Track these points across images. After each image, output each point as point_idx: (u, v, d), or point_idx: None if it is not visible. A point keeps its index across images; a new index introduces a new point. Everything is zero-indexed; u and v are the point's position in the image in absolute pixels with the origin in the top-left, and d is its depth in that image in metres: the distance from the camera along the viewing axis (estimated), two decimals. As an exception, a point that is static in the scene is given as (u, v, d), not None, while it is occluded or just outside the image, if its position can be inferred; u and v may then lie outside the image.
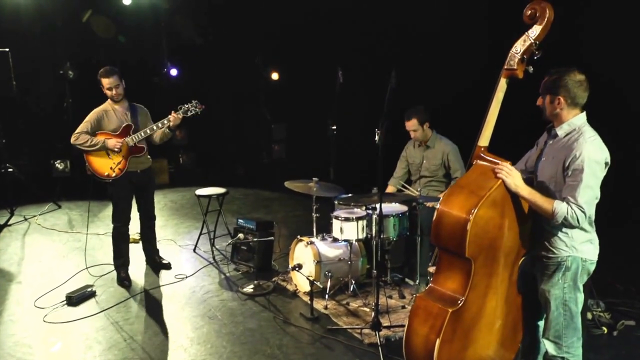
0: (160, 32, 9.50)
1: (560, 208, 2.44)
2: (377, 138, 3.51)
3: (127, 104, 4.57)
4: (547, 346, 2.69)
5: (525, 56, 2.59)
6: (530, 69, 2.63)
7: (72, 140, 4.42)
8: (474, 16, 6.46)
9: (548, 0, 2.56)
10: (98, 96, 4.57)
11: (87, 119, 4.46)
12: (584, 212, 2.43)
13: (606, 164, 2.50)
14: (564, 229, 2.57)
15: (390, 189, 4.71)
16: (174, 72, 9.70)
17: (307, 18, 8.39)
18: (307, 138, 9.04)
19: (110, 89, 4.40)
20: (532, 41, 2.56)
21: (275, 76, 10.25)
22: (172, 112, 4.47)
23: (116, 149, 4.39)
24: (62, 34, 8.54)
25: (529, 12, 2.57)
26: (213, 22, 9.50)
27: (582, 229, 2.55)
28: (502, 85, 2.63)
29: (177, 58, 9.74)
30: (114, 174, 4.44)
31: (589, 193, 2.43)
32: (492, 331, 2.74)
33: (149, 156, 4.71)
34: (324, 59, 7.69)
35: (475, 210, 2.49)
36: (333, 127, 4.85)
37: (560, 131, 2.58)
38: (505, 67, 2.62)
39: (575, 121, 2.55)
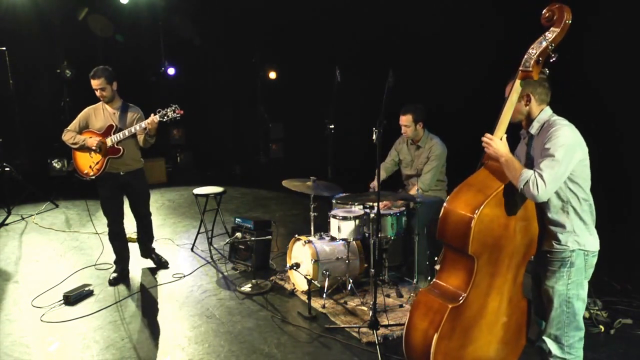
0: (157, 30, 9.48)
1: (526, 173, 2.47)
2: (374, 137, 3.51)
3: (120, 105, 4.54)
4: (550, 345, 2.66)
5: (540, 58, 2.55)
6: (546, 71, 2.61)
7: (62, 136, 4.56)
8: (472, 16, 6.46)
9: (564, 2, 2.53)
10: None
11: (78, 116, 4.56)
12: (544, 183, 2.41)
13: (582, 147, 2.51)
14: (566, 224, 2.56)
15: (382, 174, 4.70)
16: (171, 71, 9.69)
17: (305, 17, 8.39)
18: (305, 137, 9.04)
19: (96, 90, 4.44)
20: (548, 44, 2.53)
21: (272, 75, 10.25)
22: (152, 114, 4.38)
23: (93, 147, 4.42)
24: (60, 32, 8.53)
25: (547, 14, 2.54)
26: (211, 21, 9.49)
27: (582, 220, 2.57)
28: (517, 86, 2.60)
29: (174, 57, 9.73)
30: (92, 173, 4.49)
31: (556, 168, 2.42)
32: (493, 332, 2.74)
33: (140, 159, 4.67)
34: (322, 58, 7.69)
35: (481, 208, 2.51)
36: (331, 126, 4.83)
37: (533, 130, 2.64)
38: (521, 68, 2.57)
39: (542, 116, 2.62)
